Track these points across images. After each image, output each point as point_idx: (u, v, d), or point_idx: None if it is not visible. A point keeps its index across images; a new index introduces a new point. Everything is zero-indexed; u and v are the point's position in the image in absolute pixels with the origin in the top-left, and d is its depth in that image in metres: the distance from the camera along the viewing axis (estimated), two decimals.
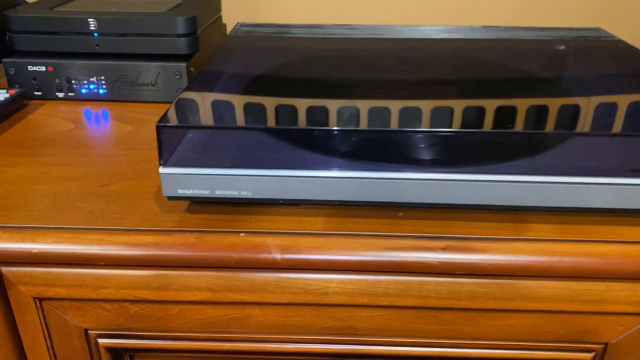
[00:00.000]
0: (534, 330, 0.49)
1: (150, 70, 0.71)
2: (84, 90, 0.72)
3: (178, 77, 0.71)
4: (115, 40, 0.71)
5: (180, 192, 0.46)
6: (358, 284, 0.47)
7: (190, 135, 0.43)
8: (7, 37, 0.72)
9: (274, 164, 0.44)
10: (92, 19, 0.70)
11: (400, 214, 0.48)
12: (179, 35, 0.70)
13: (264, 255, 0.44)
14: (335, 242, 0.45)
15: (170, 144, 0.44)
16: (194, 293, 0.47)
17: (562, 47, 0.70)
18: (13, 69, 0.72)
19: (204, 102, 0.50)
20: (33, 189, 0.52)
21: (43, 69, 0.71)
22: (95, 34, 0.71)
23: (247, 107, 0.48)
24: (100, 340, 0.51)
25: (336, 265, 0.44)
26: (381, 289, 0.47)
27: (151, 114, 0.70)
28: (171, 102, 0.72)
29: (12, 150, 0.60)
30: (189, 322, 0.50)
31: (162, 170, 0.45)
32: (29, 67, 0.71)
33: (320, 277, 0.47)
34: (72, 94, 0.73)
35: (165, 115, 0.45)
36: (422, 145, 0.43)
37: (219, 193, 0.45)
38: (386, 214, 0.48)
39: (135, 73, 0.71)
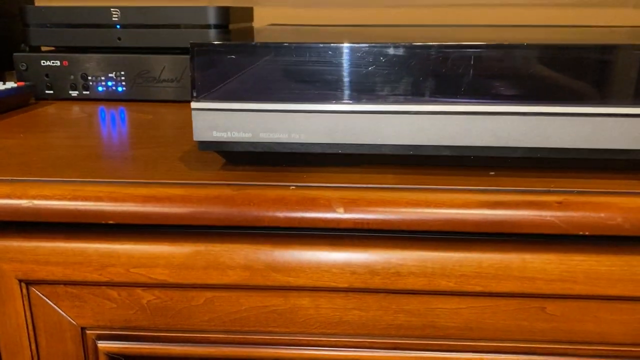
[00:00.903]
0: None
1: (176, 65, 0.63)
2: (100, 88, 0.65)
3: None
4: (140, 33, 0.64)
5: (216, 135, 0.36)
6: (441, 261, 0.36)
7: (231, 57, 0.34)
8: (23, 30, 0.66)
9: (333, 97, 0.35)
10: (115, 9, 0.63)
11: (492, 172, 0.38)
12: (210, 27, 0.63)
13: (321, 213, 0.34)
14: (415, 195, 0.34)
15: (206, 72, 0.35)
16: (226, 273, 0.36)
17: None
18: (24, 64, 0.65)
19: (250, 33, 0.42)
20: (32, 153, 0.43)
21: (57, 63, 0.64)
22: (118, 26, 0.64)
23: (305, 33, 0.39)
24: (100, 343, 0.39)
25: (418, 224, 0.34)
26: (472, 268, 0.36)
27: (176, 109, 0.61)
28: None
29: (12, 129, 0.51)
30: (218, 316, 0.38)
31: (194, 105, 0.36)
32: (42, 61, 0.64)
33: (391, 255, 0.36)
34: (87, 92, 0.65)
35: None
36: (522, 68, 0.34)
37: (264, 137, 0.36)
38: (473, 173, 0.38)
39: (159, 67, 0.64)
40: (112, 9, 0.64)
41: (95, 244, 0.37)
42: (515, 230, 0.34)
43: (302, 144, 0.36)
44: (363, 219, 0.34)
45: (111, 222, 0.34)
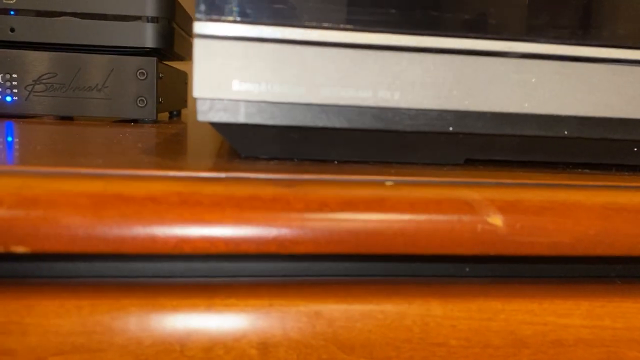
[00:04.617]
0: None
1: (97, 66, 0.45)
2: None
3: (142, 77, 0.45)
4: (45, 23, 0.45)
5: (239, 88, 0.19)
6: (626, 316, 0.21)
7: None
8: None
9: (457, 26, 0.20)
10: None
11: None
12: (147, 19, 0.46)
13: (459, 220, 0.18)
14: (613, 197, 0.19)
15: None
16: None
17: None
18: None
19: None
20: None
21: None
22: (12, 12, 0.45)
23: None
24: None
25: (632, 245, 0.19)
26: None
27: (99, 126, 0.43)
28: (126, 120, 0.46)
29: None
30: None
31: (201, 28, 0.19)
32: None
33: (546, 310, 0.20)
34: None
35: None
36: None
37: (331, 95, 0.19)
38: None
39: (71, 70, 0.45)
40: None
41: None
42: None
43: (394, 111, 0.20)
44: (533, 236, 0.18)
45: (20, 250, 0.16)
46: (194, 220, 0.16)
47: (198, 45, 0.19)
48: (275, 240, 0.17)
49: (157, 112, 0.46)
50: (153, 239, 0.16)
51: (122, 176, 0.17)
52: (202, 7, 0.19)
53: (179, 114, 0.65)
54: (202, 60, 0.19)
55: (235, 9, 0.19)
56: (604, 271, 0.23)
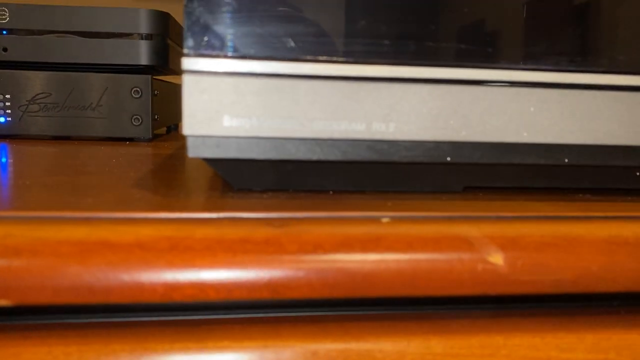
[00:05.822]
0: None
1: (91, 85, 0.45)
2: None
3: (137, 95, 0.45)
4: (38, 42, 0.45)
5: (230, 124, 0.18)
6: None
7: None
8: None
9: (456, 55, 0.19)
10: (2, 8, 0.44)
11: None
12: (141, 36, 0.46)
13: (458, 259, 0.17)
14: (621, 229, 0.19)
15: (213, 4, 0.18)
16: None
17: None
18: None
19: None
20: None
21: None
22: (5, 31, 0.45)
23: None
24: None
25: None
26: None
27: (97, 146, 0.42)
28: (122, 139, 0.45)
29: None
30: None
31: (189, 64, 0.18)
32: None
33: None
34: None
35: None
36: None
37: (323, 128, 0.19)
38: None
39: (65, 88, 0.44)
40: None
41: None
42: None
43: (389, 143, 0.20)
44: (535, 274, 0.17)
45: (3, 304, 0.15)
46: (184, 267, 0.16)
47: (187, 81, 0.18)
48: (267, 286, 0.16)
49: (153, 129, 0.45)
50: (141, 288, 0.15)
51: (108, 220, 0.16)
52: (190, 42, 0.18)
53: (176, 128, 0.65)
54: (191, 96, 0.18)
55: (224, 43, 0.18)
56: (606, 299, 0.22)
